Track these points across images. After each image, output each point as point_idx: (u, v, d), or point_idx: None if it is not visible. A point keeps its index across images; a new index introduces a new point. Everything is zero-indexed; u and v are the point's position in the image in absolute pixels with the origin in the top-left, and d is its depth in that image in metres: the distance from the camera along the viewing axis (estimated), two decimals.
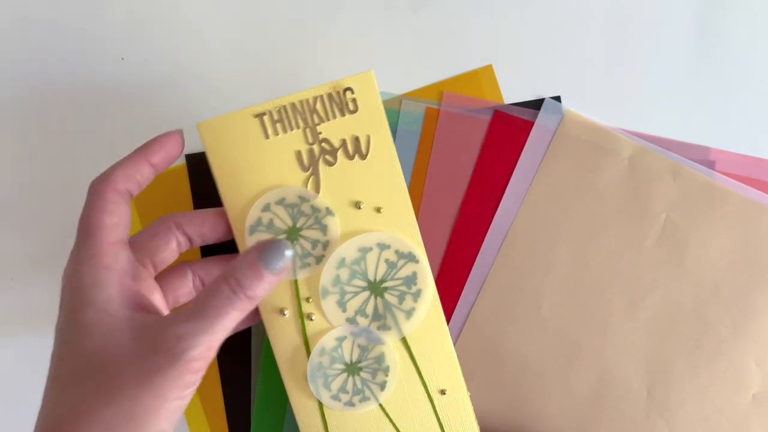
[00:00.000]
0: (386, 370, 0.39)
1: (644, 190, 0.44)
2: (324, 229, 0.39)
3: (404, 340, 0.40)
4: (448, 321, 0.45)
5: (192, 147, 0.46)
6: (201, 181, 0.47)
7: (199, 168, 0.47)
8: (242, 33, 0.47)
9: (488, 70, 0.46)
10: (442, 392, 0.40)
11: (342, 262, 0.39)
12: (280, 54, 0.47)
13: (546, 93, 0.46)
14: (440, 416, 0.40)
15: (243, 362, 0.46)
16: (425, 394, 0.40)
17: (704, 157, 0.45)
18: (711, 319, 0.43)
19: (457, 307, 0.45)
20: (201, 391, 0.46)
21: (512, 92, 0.46)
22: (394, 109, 0.46)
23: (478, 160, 0.45)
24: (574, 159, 0.44)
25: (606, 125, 0.45)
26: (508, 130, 0.45)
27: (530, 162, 0.45)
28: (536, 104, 0.46)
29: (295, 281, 0.39)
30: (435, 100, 0.46)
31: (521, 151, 0.45)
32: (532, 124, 0.45)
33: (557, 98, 0.46)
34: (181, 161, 0.47)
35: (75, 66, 0.47)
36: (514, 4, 0.46)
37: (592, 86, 0.46)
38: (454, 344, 0.44)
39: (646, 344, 0.43)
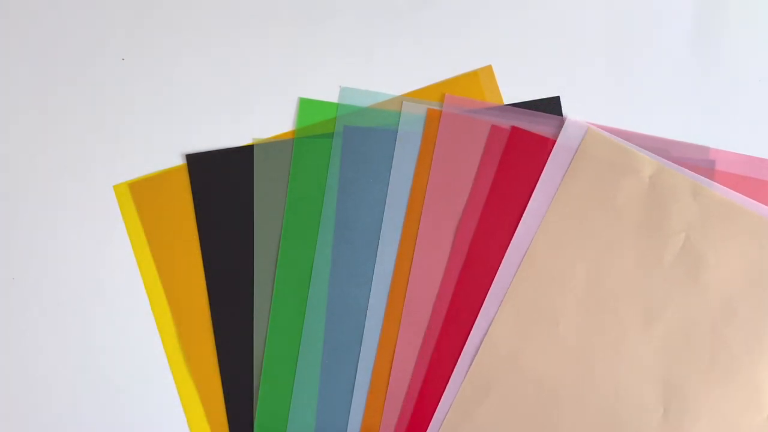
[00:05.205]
0: None
1: (664, 208, 0.44)
2: None
3: None
4: (465, 338, 0.45)
5: (192, 147, 0.46)
6: (201, 181, 0.46)
7: (199, 167, 0.46)
8: (241, 32, 0.47)
9: (488, 70, 0.46)
10: None
11: None
12: (280, 53, 0.47)
13: (545, 93, 0.46)
14: None
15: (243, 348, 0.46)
16: None
17: (704, 157, 0.44)
18: (726, 337, 0.43)
19: (475, 323, 0.45)
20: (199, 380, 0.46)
21: (512, 92, 0.46)
22: (394, 110, 0.46)
23: (495, 174, 0.45)
24: (595, 177, 0.45)
25: (627, 144, 0.45)
26: (526, 147, 0.46)
27: (551, 180, 0.45)
28: (536, 105, 0.46)
29: None
30: (435, 100, 0.46)
31: (539, 168, 0.45)
32: (549, 140, 0.45)
33: (556, 99, 0.46)
34: (182, 161, 0.47)
35: (75, 65, 0.48)
36: (514, 4, 0.47)
37: (591, 86, 0.46)
38: (472, 361, 0.45)
39: (661, 362, 0.44)
